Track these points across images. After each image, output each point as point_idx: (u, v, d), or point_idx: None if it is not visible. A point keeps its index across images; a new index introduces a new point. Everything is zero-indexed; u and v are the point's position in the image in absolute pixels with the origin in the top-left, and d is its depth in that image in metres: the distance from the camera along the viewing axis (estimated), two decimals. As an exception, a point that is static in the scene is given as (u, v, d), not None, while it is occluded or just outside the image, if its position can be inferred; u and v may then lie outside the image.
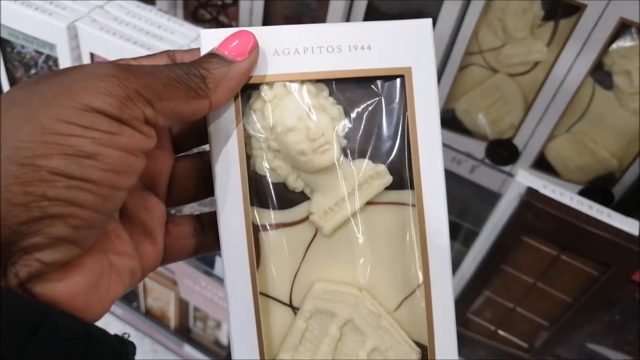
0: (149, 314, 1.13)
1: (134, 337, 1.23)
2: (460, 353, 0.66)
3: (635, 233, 0.47)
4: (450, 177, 0.64)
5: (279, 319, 0.28)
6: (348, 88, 0.27)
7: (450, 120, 0.63)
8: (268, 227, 0.27)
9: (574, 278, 0.52)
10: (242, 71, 0.24)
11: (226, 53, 0.24)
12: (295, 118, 0.26)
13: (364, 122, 0.27)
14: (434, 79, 0.26)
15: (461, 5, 0.54)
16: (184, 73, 0.23)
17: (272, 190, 0.27)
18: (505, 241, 0.52)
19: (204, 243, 0.28)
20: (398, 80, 0.26)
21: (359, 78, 0.26)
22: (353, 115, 0.27)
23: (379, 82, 0.27)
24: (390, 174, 0.27)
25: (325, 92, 0.27)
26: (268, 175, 0.27)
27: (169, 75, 0.22)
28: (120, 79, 0.21)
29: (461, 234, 0.75)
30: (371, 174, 0.27)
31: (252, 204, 0.26)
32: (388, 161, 0.27)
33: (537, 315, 0.57)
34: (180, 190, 0.28)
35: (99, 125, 0.20)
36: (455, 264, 0.62)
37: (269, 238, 0.27)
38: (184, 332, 1.12)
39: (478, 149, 0.62)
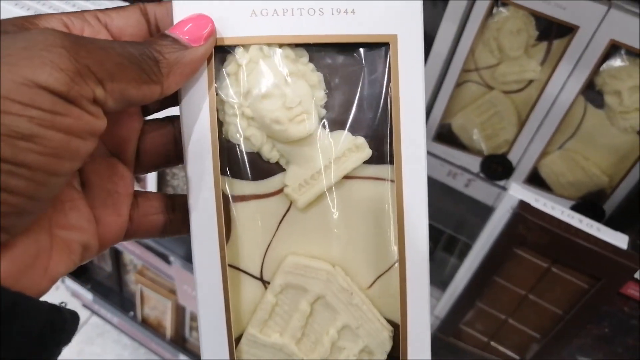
0: (145, 323, 1.13)
1: (130, 346, 1.23)
2: (452, 364, 0.67)
3: (624, 247, 0.49)
4: (446, 191, 0.66)
5: (249, 293, 0.26)
6: (329, 54, 0.25)
7: (446, 135, 0.64)
8: (240, 198, 0.25)
9: (564, 290, 0.53)
10: (196, 58, 0.22)
11: (181, 36, 0.22)
12: (271, 84, 0.24)
13: (344, 91, 0.25)
14: (421, 49, 0.24)
15: (459, 24, 0.56)
16: (137, 54, 0.21)
17: (246, 160, 0.25)
18: (497, 253, 0.54)
19: (173, 223, 0.27)
20: (382, 48, 0.25)
21: (341, 44, 0.24)
22: (333, 83, 0.25)
23: (362, 50, 0.25)
24: (370, 147, 0.25)
25: (305, 58, 0.25)
26: (241, 143, 0.25)
27: (122, 54, 0.20)
28: (70, 51, 0.18)
29: (457, 247, 0.77)
30: (350, 147, 0.25)
31: (223, 174, 0.25)
32: (368, 134, 0.25)
33: (528, 327, 0.58)
34: (149, 156, 0.26)
35: (40, 103, 0.18)
36: (451, 276, 0.63)
37: (241, 209, 0.26)
38: (179, 342, 1.13)
39: (473, 163, 0.64)
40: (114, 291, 1.18)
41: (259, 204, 0.26)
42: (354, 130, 0.25)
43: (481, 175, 0.63)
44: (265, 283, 0.27)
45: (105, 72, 0.19)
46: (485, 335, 0.61)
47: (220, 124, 0.25)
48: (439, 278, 0.80)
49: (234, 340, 0.26)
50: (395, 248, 0.26)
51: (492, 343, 0.61)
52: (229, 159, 0.25)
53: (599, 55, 0.52)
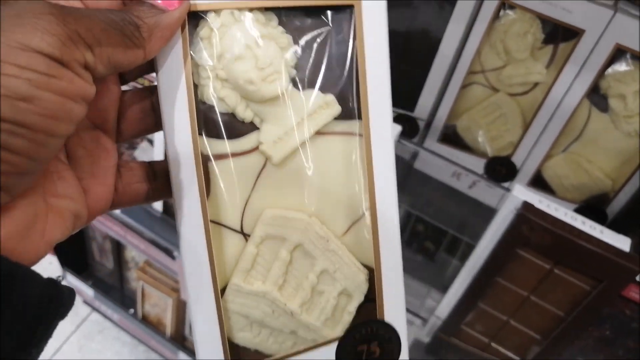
0: (145, 321, 1.13)
1: (130, 344, 1.23)
2: (453, 365, 0.67)
3: (627, 249, 0.49)
4: (450, 192, 0.66)
5: (231, 246, 0.28)
6: (297, 17, 0.26)
7: (451, 137, 0.65)
8: (217, 156, 0.27)
9: (566, 292, 0.53)
10: (173, 21, 0.23)
11: (156, 2, 0.23)
12: (243, 46, 0.25)
13: (313, 52, 0.27)
14: (384, 9, 0.26)
15: (465, 26, 0.57)
16: (119, 20, 0.22)
17: (221, 120, 0.26)
18: (500, 254, 0.54)
19: (156, 189, 0.28)
20: (348, 10, 0.26)
21: (309, 7, 0.26)
22: (302, 44, 0.26)
23: (328, 12, 0.26)
24: (339, 104, 0.27)
25: (274, 21, 0.26)
26: (216, 105, 0.26)
27: (105, 21, 0.21)
28: (59, 17, 0.19)
29: (459, 249, 0.77)
30: (320, 104, 0.27)
31: (200, 134, 0.26)
32: (337, 91, 0.27)
33: (529, 329, 0.58)
34: (129, 124, 0.27)
35: (36, 65, 0.18)
36: (452, 278, 0.63)
37: (219, 167, 0.27)
38: (179, 340, 1.13)
39: (477, 165, 0.64)
40: (114, 288, 1.18)
41: (236, 161, 0.27)
42: (323, 89, 0.27)
43: (485, 177, 0.64)
44: (246, 236, 0.28)
45: (93, 37, 0.20)
46: (486, 336, 0.61)
47: (195, 86, 0.26)
48: (441, 280, 0.81)
49: (220, 292, 0.27)
50: (365, 197, 0.28)
51: (493, 344, 0.61)
52: (205, 120, 0.26)
53: (604, 59, 0.52)
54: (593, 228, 0.50)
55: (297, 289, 0.29)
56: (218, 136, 0.27)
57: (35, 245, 0.22)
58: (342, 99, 0.27)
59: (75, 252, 1.16)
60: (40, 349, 0.22)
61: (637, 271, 0.48)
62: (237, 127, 0.27)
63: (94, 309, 1.28)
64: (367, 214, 0.28)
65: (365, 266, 0.29)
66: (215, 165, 0.27)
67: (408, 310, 0.77)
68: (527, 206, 0.50)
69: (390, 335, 0.29)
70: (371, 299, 0.29)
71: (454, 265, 0.81)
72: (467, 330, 0.62)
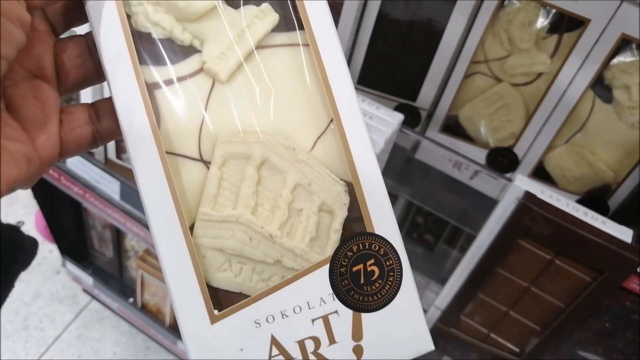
0: (144, 309, 1.13)
1: (128, 332, 1.23)
2: (451, 355, 0.67)
3: (629, 241, 0.49)
4: (450, 183, 0.66)
5: (193, 177, 0.27)
6: None
7: (453, 127, 0.65)
8: (162, 83, 0.26)
9: (567, 283, 0.53)
10: None
11: None
12: None
13: None
14: None
15: (469, 15, 0.56)
16: None
17: (161, 47, 0.26)
18: (501, 244, 0.54)
19: (102, 131, 0.28)
20: None
21: None
22: None
23: None
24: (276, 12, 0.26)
25: None
26: (153, 31, 0.26)
27: None
28: None
29: (459, 241, 0.77)
30: (256, 14, 0.26)
31: (142, 63, 0.26)
32: (271, 1, 0.27)
33: (529, 320, 0.58)
34: (69, 71, 0.27)
35: None
36: (451, 271, 0.63)
37: (166, 95, 0.26)
38: (178, 329, 1.13)
39: (479, 155, 0.64)
40: (114, 277, 1.18)
41: (183, 86, 0.26)
42: (257, 3, 0.27)
43: (486, 168, 0.64)
44: (207, 163, 0.27)
45: None
46: (486, 326, 0.61)
47: (129, 17, 0.26)
48: (440, 272, 0.81)
49: (189, 229, 0.26)
50: (327, 107, 0.27)
51: (492, 335, 0.61)
52: (144, 49, 0.26)
53: (609, 49, 0.52)
54: (595, 219, 0.50)
55: (272, 210, 0.27)
56: (160, 63, 0.26)
57: None
58: (278, 8, 0.27)
59: (75, 240, 1.16)
60: (2, 300, 0.22)
61: (638, 262, 0.48)
62: (177, 52, 0.26)
63: (94, 297, 1.28)
64: (332, 126, 0.27)
65: (342, 181, 0.27)
66: (161, 93, 0.26)
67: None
68: (529, 196, 0.50)
69: (385, 250, 0.27)
70: (357, 218, 0.27)
71: (454, 257, 0.81)
72: (466, 321, 0.62)
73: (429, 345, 0.27)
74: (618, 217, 0.60)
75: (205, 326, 0.26)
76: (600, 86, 0.55)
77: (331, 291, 0.26)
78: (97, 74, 0.28)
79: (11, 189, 0.24)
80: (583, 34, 0.52)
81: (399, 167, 0.67)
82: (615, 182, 0.59)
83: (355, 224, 0.27)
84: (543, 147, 0.60)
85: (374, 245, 0.27)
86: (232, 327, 0.26)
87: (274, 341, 0.26)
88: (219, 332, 0.26)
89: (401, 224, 0.85)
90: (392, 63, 0.64)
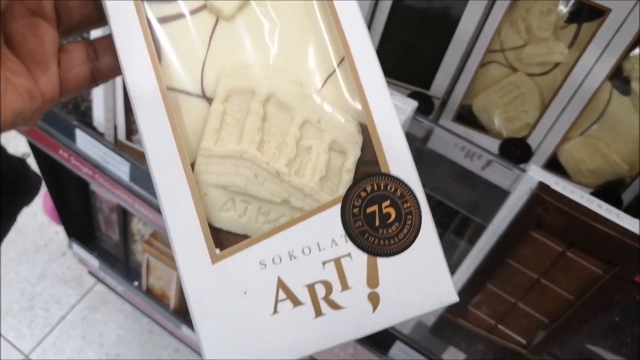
0: (149, 293, 1.14)
1: (133, 315, 1.24)
2: (458, 345, 0.67)
3: (642, 234, 0.48)
4: (462, 173, 0.66)
5: (194, 113, 0.25)
6: None
7: (466, 116, 0.64)
8: (164, 19, 0.25)
9: (578, 275, 0.53)
10: None
11: None
12: None
13: None
14: None
15: (487, 2, 0.55)
16: None
17: None
18: (512, 234, 0.53)
19: (101, 69, 0.27)
20: None
21: None
22: None
23: None
24: None
25: None
26: None
27: None
28: None
29: (468, 231, 0.76)
30: None
31: None
32: None
33: (538, 312, 0.58)
34: (69, 10, 0.27)
35: None
36: (458, 262, 0.63)
37: (167, 31, 0.25)
38: (182, 313, 1.13)
39: (492, 146, 0.63)
40: (120, 260, 1.19)
41: (186, 22, 0.25)
42: None
43: (499, 158, 0.63)
44: (209, 100, 0.26)
45: None
46: (493, 317, 0.61)
47: None
48: (447, 264, 0.80)
49: (190, 166, 0.25)
50: (337, 46, 0.25)
51: (500, 326, 0.61)
52: None
53: (629, 40, 0.51)
54: (609, 211, 0.49)
55: (279, 148, 0.26)
56: None
57: None
58: None
59: (82, 223, 1.16)
60: (3, 234, 0.22)
61: (651, 256, 0.48)
62: None
63: (99, 280, 1.29)
64: (344, 64, 0.25)
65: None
66: (163, 29, 0.25)
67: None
68: (543, 187, 0.50)
69: (402, 192, 0.25)
70: (371, 161, 0.25)
71: (462, 248, 0.80)
72: (473, 312, 0.62)
73: (452, 296, 0.25)
74: (632, 211, 0.59)
75: (205, 266, 0.24)
76: (619, 78, 0.54)
77: (343, 232, 0.25)
78: (98, 16, 0.27)
79: (14, 123, 0.24)
80: (603, 24, 0.51)
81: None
82: (629, 175, 0.58)
83: (369, 167, 0.25)
84: (557, 139, 0.59)
85: (389, 186, 0.25)
86: (235, 267, 0.24)
87: (281, 284, 0.24)
88: (221, 273, 0.24)
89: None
90: (406, 50, 0.63)
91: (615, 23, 0.51)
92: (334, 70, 0.26)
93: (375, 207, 0.25)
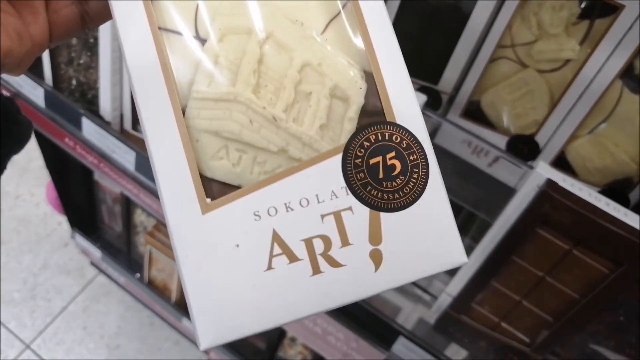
0: (151, 285, 1.14)
1: (134, 307, 1.24)
2: (460, 342, 0.67)
3: (650, 233, 0.48)
4: (469, 170, 0.65)
5: (187, 54, 0.24)
6: None
7: (474, 112, 0.64)
8: None
9: (583, 274, 0.52)
10: None
11: None
12: None
13: None
14: None
15: (498, -2, 0.55)
16: None
17: None
18: (519, 231, 0.53)
19: (91, 11, 0.26)
20: None
21: None
22: None
23: None
24: None
25: None
26: None
27: None
28: None
29: (472, 228, 0.76)
30: None
31: None
32: None
33: (542, 310, 0.57)
34: None
35: None
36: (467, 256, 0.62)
37: None
38: (183, 306, 1.13)
39: (499, 143, 0.63)
40: (122, 252, 1.19)
41: None
42: None
43: (506, 154, 0.63)
44: (203, 41, 0.24)
45: None
46: (497, 315, 0.61)
47: None
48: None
49: (181, 111, 0.23)
50: None
51: (503, 324, 0.61)
52: None
53: (641, 37, 0.50)
54: (617, 210, 0.49)
55: (276, 92, 0.24)
56: None
57: None
58: None
59: (85, 213, 1.16)
60: None
61: (659, 256, 0.47)
62: None
63: (101, 271, 1.29)
64: (346, 8, 0.23)
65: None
66: None
67: (416, 285, 0.76)
68: (550, 184, 0.49)
69: (409, 143, 0.23)
70: (376, 111, 0.24)
71: (465, 245, 0.80)
72: (477, 309, 0.61)
73: (460, 257, 0.24)
74: (639, 211, 0.59)
75: (195, 216, 0.23)
76: (630, 76, 0.54)
77: (344, 184, 0.23)
78: None
79: (2, 65, 0.23)
80: (616, 21, 0.51)
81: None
82: (637, 175, 0.58)
83: (373, 117, 0.24)
84: (566, 137, 0.59)
85: (395, 136, 0.23)
86: (226, 218, 0.23)
87: (276, 237, 0.23)
88: (211, 224, 0.23)
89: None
90: (415, 44, 0.63)
91: (629, 20, 0.50)
92: (339, 12, 0.24)
93: (379, 159, 0.23)
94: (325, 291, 0.23)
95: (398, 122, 0.23)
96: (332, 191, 0.23)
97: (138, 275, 1.14)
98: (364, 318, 0.64)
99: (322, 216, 0.23)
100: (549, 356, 0.60)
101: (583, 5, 0.52)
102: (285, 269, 0.23)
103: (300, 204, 0.23)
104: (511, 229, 0.53)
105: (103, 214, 1.18)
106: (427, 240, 0.23)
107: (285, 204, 0.23)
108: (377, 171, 0.23)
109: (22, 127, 0.22)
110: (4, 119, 0.20)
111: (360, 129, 0.23)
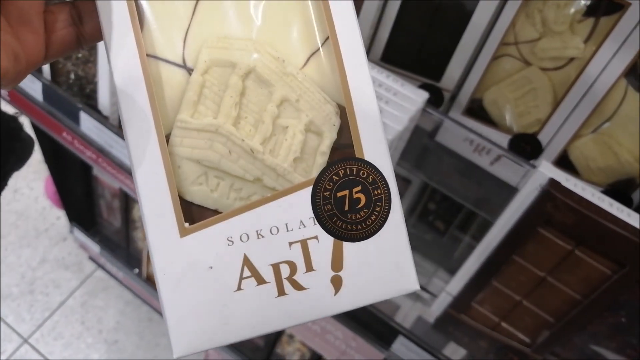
0: (149, 281, 1.13)
1: (132, 302, 1.24)
2: (460, 342, 0.66)
3: (653, 234, 0.47)
4: (470, 168, 0.65)
5: (174, 83, 0.25)
6: None
7: (476, 110, 0.63)
8: None
9: (585, 275, 0.52)
10: None
11: None
12: None
13: None
14: None
15: (502, -6, 0.54)
16: None
17: None
18: (520, 231, 0.53)
19: (86, 33, 0.27)
20: None
21: None
22: None
23: None
24: None
25: None
26: None
27: None
28: None
29: (473, 226, 0.75)
30: None
31: None
32: None
33: (542, 311, 0.57)
34: None
35: None
36: (463, 258, 0.62)
37: None
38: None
39: (501, 141, 0.62)
40: (121, 246, 1.18)
41: None
42: None
43: (508, 153, 0.62)
44: (190, 70, 0.25)
45: None
46: (497, 315, 0.60)
47: None
48: (448, 261, 0.80)
49: (165, 138, 0.25)
50: (323, 23, 0.25)
51: (503, 324, 0.60)
52: None
53: (647, 35, 0.50)
54: (620, 210, 0.48)
55: (255, 125, 0.26)
56: None
57: None
58: None
59: (83, 208, 1.16)
60: None
61: (662, 257, 0.47)
62: None
63: (99, 265, 1.28)
64: (328, 43, 0.25)
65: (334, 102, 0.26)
66: None
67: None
68: (553, 183, 0.49)
69: (374, 178, 0.25)
70: (347, 145, 0.26)
71: (465, 244, 0.80)
72: (477, 308, 0.61)
73: (413, 285, 0.26)
74: (641, 211, 0.58)
75: (174, 238, 0.25)
76: (634, 75, 0.53)
77: (312, 215, 0.25)
78: None
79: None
80: (621, 19, 0.50)
81: (419, 149, 0.66)
82: (640, 175, 0.57)
83: (344, 150, 0.26)
84: (569, 136, 0.58)
85: (362, 171, 0.25)
86: (202, 242, 0.25)
87: (246, 261, 0.25)
88: (188, 247, 0.25)
89: (412, 210, 0.84)
90: (417, 41, 0.62)
91: (634, 18, 0.50)
92: (318, 49, 0.26)
93: (346, 192, 0.25)
94: (287, 311, 0.25)
95: (366, 158, 0.25)
96: (301, 221, 0.25)
97: (137, 270, 1.14)
98: (363, 317, 0.63)
99: (290, 244, 0.25)
100: (549, 356, 0.60)
101: (588, 3, 0.51)
102: (253, 290, 0.25)
103: (271, 232, 0.25)
104: (513, 228, 0.53)
105: (102, 208, 1.17)
106: (384, 269, 0.26)
107: (257, 231, 0.25)
108: (344, 204, 0.25)
109: (25, 145, 0.22)
110: (7, 137, 0.20)
111: (330, 164, 0.25)
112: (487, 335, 0.61)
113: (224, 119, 0.25)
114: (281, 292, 0.25)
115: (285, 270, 0.25)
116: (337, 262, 0.25)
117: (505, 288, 0.58)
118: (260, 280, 0.25)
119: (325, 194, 0.25)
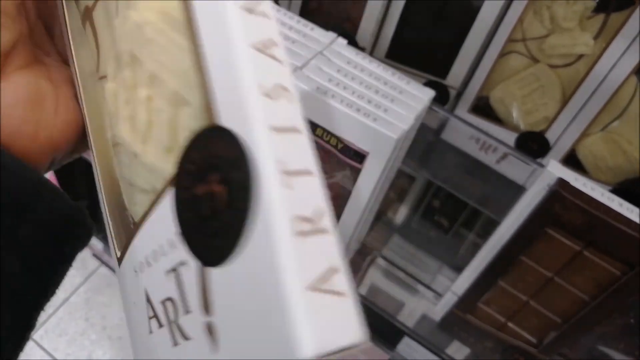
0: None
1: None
2: (466, 342, 0.66)
3: (664, 236, 0.46)
4: (476, 166, 0.64)
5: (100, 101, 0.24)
6: None
7: (482, 108, 0.62)
8: None
9: (594, 276, 0.51)
10: None
11: None
12: None
13: None
14: None
15: (510, -10, 0.53)
16: None
17: None
18: (528, 231, 0.52)
19: None
20: None
21: None
22: None
23: None
24: None
25: None
26: None
27: None
28: None
29: (478, 224, 0.75)
30: None
31: None
32: None
33: (550, 311, 0.56)
34: None
35: None
36: (468, 255, 0.61)
37: None
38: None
39: (508, 139, 0.62)
40: (124, 243, 1.18)
41: None
42: None
43: (515, 151, 0.61)
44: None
45: None
46: (504, 315, 0.60)
47: None
48: (453, 258, 0.79)
49: None
50: None
51: (510, 324, 0.60)
52: None
53: (659, 32, 0.49)
54: (631, 211, 0.47)
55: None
56: None
57: (46, 122, 0.21)
58: None
59: (87, 204, 1.15)
60: (60, 278, 0.21)
61: (672, 259, 0.46)
62: None
63: (103, 262, 1.28)
64: None
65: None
66: None
67: (420, 282, 0.75)
68: (562, 183, 0.48)
69: (234, 157, 0.14)
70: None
71: (470, 242, 0.79)
72: (483, 308, 0.60)
73: (303, 354, 0.13)
74: (650, 211, 0.57)
75: (117, 266, 0.23)
76: (645, 72, 0.52)
77: (178, 229, 0.17)
78: None
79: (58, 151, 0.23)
80: (632, 15, 0.49)
81: (424, 146, 0.65)
82: (650, 174, 0.57)
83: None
84: (577, 134, 0.57)
85: (219, 148, 0.15)
86: (124, 272, 0.22)
87: (148, 297, 0.19)
88: (121, 276, 0.22)
89: (417, 207, 0.83)
90: (423, 38, 0.61)
91: (645, 14, 0.49)
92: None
93: (204, 187, 0.15)
94: None
95: (222, 122, 0.15)
96: (169, 239, 0.17)
97: (140, 267, 1.14)
98: (368, 317, 0.63)
99: (166, 272, 0.18)
100: (556, 357, 0.59)
101: (598, -1, 0.50)
102: (157, 335, 0.19)
103: (153, 258, 0.18)
104: (520, 228, 0.52)
105: (105, 205, 1.17)
106: (259, 312, 0.14)
107: (145, 258, 0.19)
108: (200, 204, 0.15)
109: (88, 230, 0.22)
110: (74, 224, 0.20)
111: (183, 150, 0.16)
112: (493, 336, 0.61)
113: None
114: (173, 340, 0.18)
115: (170, 311, 0.18)
116: (206, 299, 0.16)
117: (512, 288, 0.57)
118: (159, 323, 0.19)
119: (185, 195, 0.16)
